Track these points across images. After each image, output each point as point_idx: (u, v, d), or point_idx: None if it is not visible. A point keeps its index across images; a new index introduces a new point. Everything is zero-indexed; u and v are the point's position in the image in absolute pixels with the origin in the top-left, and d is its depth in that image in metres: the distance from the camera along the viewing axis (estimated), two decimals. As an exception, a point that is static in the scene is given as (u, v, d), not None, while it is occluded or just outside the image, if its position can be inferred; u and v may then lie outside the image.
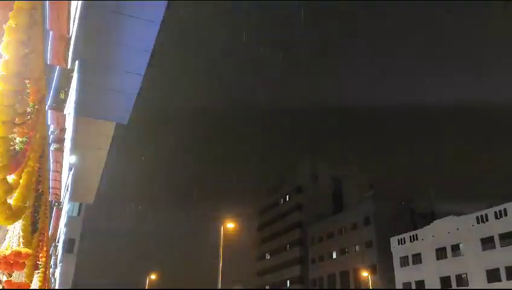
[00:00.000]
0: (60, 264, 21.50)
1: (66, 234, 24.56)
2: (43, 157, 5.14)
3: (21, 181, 4.05)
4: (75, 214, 31.97)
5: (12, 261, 3.96)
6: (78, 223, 33.09)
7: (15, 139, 3.13)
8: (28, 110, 3.62)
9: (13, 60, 2.68)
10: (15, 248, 4.08)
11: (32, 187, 4.64)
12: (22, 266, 4.18)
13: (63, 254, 22.20)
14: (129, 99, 12.53)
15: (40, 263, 6.74)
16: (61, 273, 23.56)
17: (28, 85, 3.36)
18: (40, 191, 5.71)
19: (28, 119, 3.62)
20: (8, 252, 3.99)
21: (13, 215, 3.66)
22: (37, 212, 5.68)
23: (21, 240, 4.17)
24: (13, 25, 2.73)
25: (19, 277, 5.35)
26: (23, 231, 4.26)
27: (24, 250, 4.11)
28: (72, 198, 19.62)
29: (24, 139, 3.47)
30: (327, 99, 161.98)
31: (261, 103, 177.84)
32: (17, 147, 3.26)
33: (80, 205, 32.83)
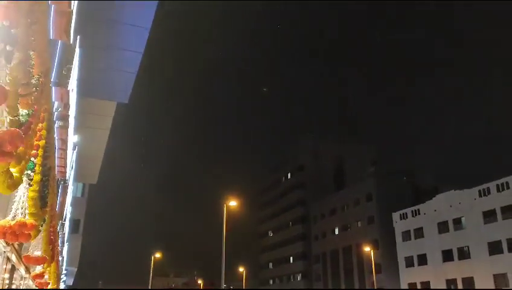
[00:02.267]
0: (67, 243, 21.81)
1: (72, 214, 24.83)
2: (49, 133, 5.16)
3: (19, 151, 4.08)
4: (79, 194, 32.25)
5: (18, 232, 4.02)
6: (82, 204, 33.41)
7: (19, 111, 3.13)
8: (33, 82, 3.62)
9: (17, 31, 2.67)
10: (20, 218, 4.13)
11: (28, 158, 4.66)
12: (27, 237, 4.24)
13: (69, 233, 22.51)
14: (129, 78, 12.48)
15: (53, 238, 6.84)
16: (68, 252, 23.95)
17: (32, 57, 3.36)
18: (47, 166, 5.75)
19: (33, 92, 3.62)
20: (13, 223, 4.05)
21: (14, 184, 3.70)
22: (45, 187, 5.74)
23: (26, 211, 4.23)
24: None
25: (34, 251, 5.44)
26: (30, 203, 4.31)
27: (29, 221, 4.16)
28: (77, 178, 19.78)
29: (29, 111, 3.48)
30: (327, 74, 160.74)
31: (262, 81, 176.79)
32: (22, 119, 3.27)
33: (84, 185, 33.10)
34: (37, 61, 3.52)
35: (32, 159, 4.06)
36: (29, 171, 4.13)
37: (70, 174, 12.81)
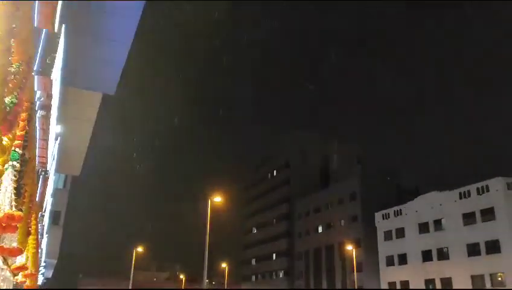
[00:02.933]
0: (47, 235, 21.49)
1: (52, 205, 24.47)
2: (30, 122, 5.06)
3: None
4: (60, 186, 31.82)
5: (4, 224, 3.95)
6: (63, 195, 32.96)
7: (4, 99, 3.07)
8: (12, 70, 3.54)
9: (3, 18, 2.60)
10: (7, 210, 4.06)
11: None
12: (14, 229, 4.18)
13: (49, 225, 22.19)
14: (116, 69, 12.30)
15: (31, 229, 6.73)
16: (47, 244, 23.62)
17: (12, 44, 3.28)
18: (26, 157, 5.64)
19: (12, 79, 3.55)
20: (1, 215, 3.98)
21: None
22: (21, 178, 5.63)
23: (13, 203, 4.16)
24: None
25: (10, 243, 5.34)
26: (15, 194, 4.24)
27: (17, 213, 4.10)
28: (58, 169, 19.48)
29: (13, 99, 3.41)
30: (316, 72, 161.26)
31: (251, 75, 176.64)
32: (7, 108, 3.20)
33: (66, 177, 32.63)
34: (20, 49, 3.44)
35: (16, 149, 3.99)
36: (14, 162, 4.06)
37: (51, 165, 12.60)
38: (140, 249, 47.22)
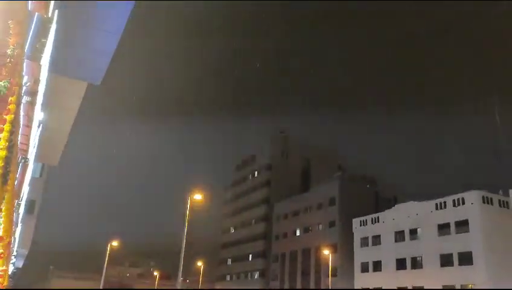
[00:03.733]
0: (21, 224, 20.97)
1: (28, 194, 23.92)
2: (17, 107, 4.90)
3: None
4: (37, 175, 31.13)
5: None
6: (39, 184, 32.23)
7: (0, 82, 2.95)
8: (8, 52, 3.41)
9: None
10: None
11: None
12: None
13: (24, 214, 21.66)
14: (105, 59, 12.08)
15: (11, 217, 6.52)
16: (21, 233, 23.04)
17: (10, 26, 3.16)
18: (11, 142, 5.47)
19: (8, 62, 3.42)
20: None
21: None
22: (8, 164, 5.45)
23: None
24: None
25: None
26: (1, 182, 4.09)
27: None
28: (37, 158, 19.01)
29: (6, 83, 3.28)
30: (301, 76, 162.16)
31: (236, 74, 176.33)
32: (0, 92, 3.09)
33: (43, 166, 31.92)
34: (16, 30, 3.32)
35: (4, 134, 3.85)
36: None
37: (32, 153, 12.29)
38: (115, 243, 46.48)
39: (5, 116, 4.09)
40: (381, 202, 58.84)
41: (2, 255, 7.65)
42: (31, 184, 22.12)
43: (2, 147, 4.38)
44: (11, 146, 5.32)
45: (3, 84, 3.32)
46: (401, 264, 48.16)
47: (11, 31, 3.10)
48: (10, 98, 4.25)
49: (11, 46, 3.37)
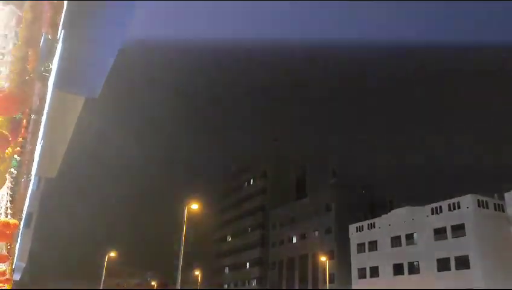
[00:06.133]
0: (20, 238, 20.88)
1: (28, 208, 23.83)
2: (27, 128, 5.00)
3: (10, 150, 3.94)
4: (34, 187, 31.03)
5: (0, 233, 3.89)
6: (36, 197, 32.11)
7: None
8: (26, 78, 3.52)
9: (24, 28, 2.61)
10: (3, 218, 4.00)
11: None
12: (9, 237, 4.12)
13: (22, 227, 21.56)
14: (102, 74, 12.23)
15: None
16: (19, 248, 22.91)
17: (29, 53, 3.27)
18: (20, 162, 5.56)
19: (25, 88, 3.53)
20: (-4, 223, 3.92)
21: (2, 184, 3.59)
22: (16, 185, 5.54)
23: (9, 211, 4.09)
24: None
25: (0, 250, 5.22)
26: (11, 202, 4.17)
27: (12, 221, 4.05)
28: (37, 172, 19.01)
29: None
30: (295, 83, 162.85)
31: (230, 85, 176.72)
32: (16, 116, 3.19)
33: (39, 178, 31.80)
34: (33, 57, 3.43)
35: (15, 156, 3.95)
36: (12, 169, 4.01)
37: (34, 167, 12.34)
38: (112, 254, 46.28)
39: (19, 138, 4.19)
40: (377, 208, 59.05)
41: (5, 273, 7.69)
42: (30, 198, 22.07)
43: (13, 167, 4.48)
44: (19, 166, 5.42)
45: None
46: (398, 269, 48.27)
47: (29, 58, 3.22)
48: (24, 120, 4.36)
49: (29, 72, 3.49)
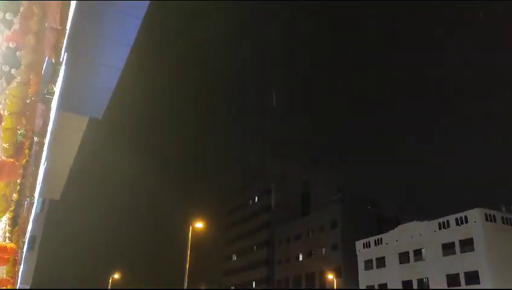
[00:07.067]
0: (23, 261, 20.73)
1: (30, 230, 23.72)
2: (30, 150, 4.97)
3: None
4: (37, 210, 30.98)
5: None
6: (40, 220, 32.02)
7: (19, 130, 3.03)
8: (28, 101, 3.51)
9: (26, 52, 2.60)
10: (0, 242, 3.93)
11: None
12: (6, 261, 4.04)
13: (26, 250, 21.43)
14: (105, 94, 12.28)
15: (17, 258, 6.50)
16: (22, 271, 22.75)
17: (30, 76, 3.27)
18: (23, 185, 5.51)
19: (27, 113, 3.51)
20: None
21: (7, 207, 3.54)
22: (19, 207, 5.48)
23: (7, 235, 4.02)
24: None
25: (1, 274, 5.14)
26: (9, 225, 4.11)
27: (10, 245, 3.97)
28: (40, 193, 18.96)
29: (23, 131, 3.37)
30: (298, 99, 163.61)
31: (233, 101, 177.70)
32: (17, 139, 3.17)
33: (43, 201, 31.76)
34: (34, 80, 3.43)
35: (17, 180, 3.91)
36: (14, 194, 3.96)
37: (37, 190, 12.33)
38: (116, 275, 45.82)
39: (21, 161, 4.16)
40: (383, 223, 58.39)
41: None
42: (33, 221, 22.00)
43: (16, 191, 4.44)
44: (22, 189, 5.37)
45: (20, 133, 3.41)
46: (407, 286, 47.42)
47: (31, 82, 3.20)
48: (26, 143, 4.33)
49: (30, 95, 3.47)
